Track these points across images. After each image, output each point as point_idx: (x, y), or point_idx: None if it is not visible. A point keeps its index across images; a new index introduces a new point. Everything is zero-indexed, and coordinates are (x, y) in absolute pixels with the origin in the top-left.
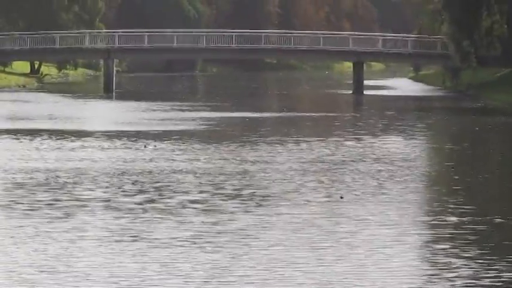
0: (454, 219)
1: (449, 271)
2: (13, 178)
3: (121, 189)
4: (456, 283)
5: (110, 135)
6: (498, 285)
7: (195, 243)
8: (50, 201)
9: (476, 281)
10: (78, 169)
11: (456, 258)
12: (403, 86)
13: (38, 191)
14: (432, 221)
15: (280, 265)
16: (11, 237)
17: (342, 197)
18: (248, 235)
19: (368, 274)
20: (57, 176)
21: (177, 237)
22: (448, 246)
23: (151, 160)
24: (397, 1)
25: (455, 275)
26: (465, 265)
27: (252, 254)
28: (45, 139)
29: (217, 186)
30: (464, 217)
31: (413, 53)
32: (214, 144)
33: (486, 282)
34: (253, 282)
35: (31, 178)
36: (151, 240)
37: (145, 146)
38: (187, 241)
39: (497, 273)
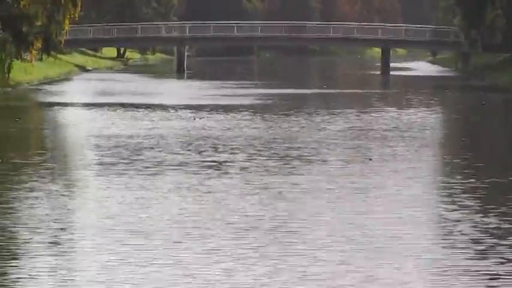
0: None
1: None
2: (107, 143)
3: (200, 152)
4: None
5: (185, 107)
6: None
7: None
8: (141, 162)
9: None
10: (161, 135)
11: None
12: (422, 68)
13: (129, 153)
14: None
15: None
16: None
17: (371, 159)
18: (305, 188)
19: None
20: (144, 141)
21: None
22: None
23: (226, 128)
24: None
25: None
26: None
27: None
28: (131, 111)
29: (277, 149)
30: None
31: (431, 41)
32: (271, 115)
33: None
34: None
35: (123, 142)
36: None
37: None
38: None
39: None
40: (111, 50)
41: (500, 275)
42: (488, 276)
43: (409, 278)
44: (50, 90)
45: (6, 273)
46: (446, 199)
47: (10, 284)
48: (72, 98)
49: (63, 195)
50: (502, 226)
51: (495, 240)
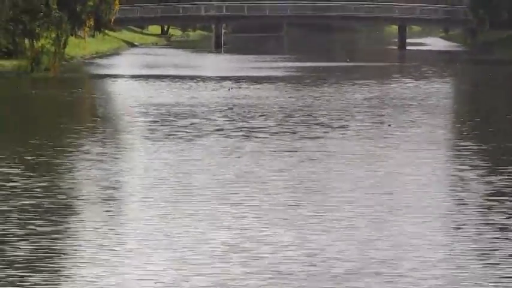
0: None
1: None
2: (154, 110)
3: (237, 119)
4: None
5: (223, 79)
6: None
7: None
8: (184, 127)
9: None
10: (202, 104)
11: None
12: (436, 43)
13: (173, 119)
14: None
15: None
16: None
17: (390, 125)
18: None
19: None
20: (186, 109)
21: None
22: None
23: (260, 97)
24: None
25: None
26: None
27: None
28: (175, 82)
29: (306, 116)
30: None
31: (443, 19)
32: (301, 85)
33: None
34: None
35: (168, 110)
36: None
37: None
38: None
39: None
40: (155, 27)
41: (507, 227)
42: (495, 228)
43: (425, 230)
44: (101, 63)
45: (66, 226)
46: (458, 160)
47: (70, 234)
48: (121, 70)
49: (116, 157)
50: (510, 184)
51: (503, 197)
